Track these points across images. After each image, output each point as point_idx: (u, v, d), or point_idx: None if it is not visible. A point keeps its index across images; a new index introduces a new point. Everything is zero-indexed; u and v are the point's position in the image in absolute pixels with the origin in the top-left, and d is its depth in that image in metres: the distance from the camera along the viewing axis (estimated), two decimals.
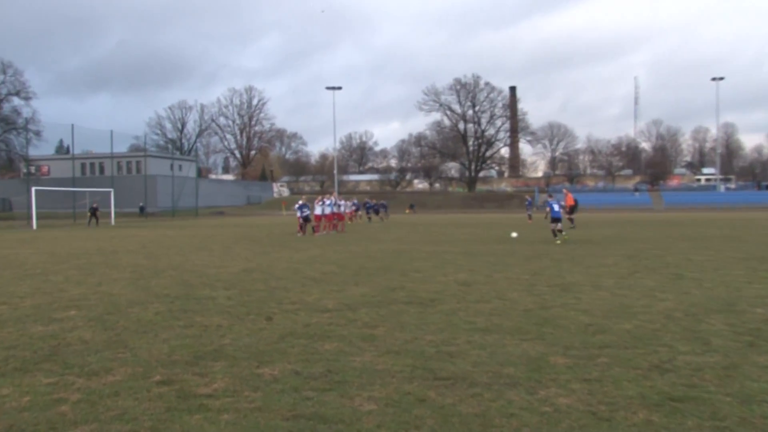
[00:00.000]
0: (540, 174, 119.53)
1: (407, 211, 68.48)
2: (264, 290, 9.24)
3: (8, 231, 31.57)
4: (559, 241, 18.87)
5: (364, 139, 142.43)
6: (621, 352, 5.37)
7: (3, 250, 17.86)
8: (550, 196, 21.51)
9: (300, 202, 24.99)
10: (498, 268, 11.97)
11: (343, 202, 29.79)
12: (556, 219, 19.27)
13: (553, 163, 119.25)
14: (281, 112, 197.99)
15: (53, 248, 18.63)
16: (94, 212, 38.22)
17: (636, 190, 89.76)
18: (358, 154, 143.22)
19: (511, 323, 6.63)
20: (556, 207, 19.24)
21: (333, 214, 25.67)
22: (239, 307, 7.80)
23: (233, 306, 7.86)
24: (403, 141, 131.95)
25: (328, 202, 25.35)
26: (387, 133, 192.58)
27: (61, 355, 5.41)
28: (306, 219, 24.21)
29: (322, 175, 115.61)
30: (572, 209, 27.22)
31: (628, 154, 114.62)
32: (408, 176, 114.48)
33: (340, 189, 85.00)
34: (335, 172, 77.04)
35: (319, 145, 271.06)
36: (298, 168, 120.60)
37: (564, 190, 30.39)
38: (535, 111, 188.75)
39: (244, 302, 8.15)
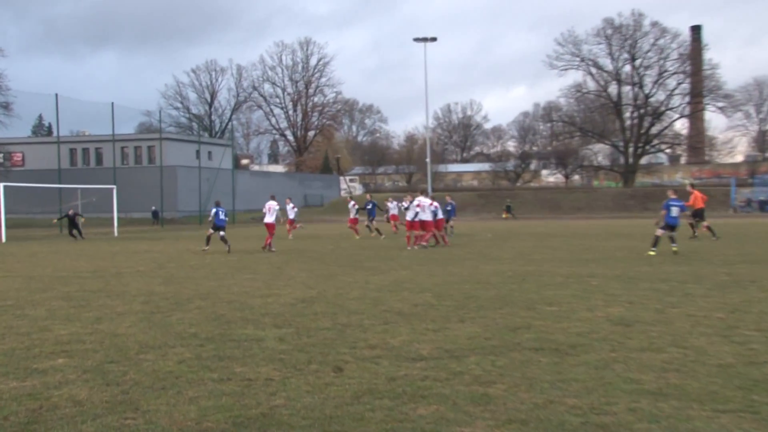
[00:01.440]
0: (739, 158, 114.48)
1: (504, 215, 66.52)
2: (331, 329, 9.40)
3: None
4: (653, 252, 20.28)
5: (468, 113, 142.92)
6: None
7: None
8: (675, 192, 21.94)
9: (270, 204, 25.92)
10: (674, 299, 11.67)
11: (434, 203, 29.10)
12: (671, 226, 20.55)
13: (761, 141, 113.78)
14: (353, 77, 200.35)
15: (31, 270, 19.63)
16: (72, 220, 38.83)
17: None
18: (460, 134, 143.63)
19: (698, 384, 6.44)
20: (675, 211, 20.54)
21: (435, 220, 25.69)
22: (296, 352, 7.97)
23: (287, 351, 8.04)
24: (525, 115, 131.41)
25: (428, 204, 25.29)
26: (503, 105, 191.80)
27: (44, 423, 5.60)
28: (217, 229, 24.56)
29: (409, 164, 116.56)
30: (699, 213, 28.13)
31: None
32: (533, 165, 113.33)
33: (435, 185, 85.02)
34: (428, 160, 76.84)
35: (405, 122, 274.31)
36: (375, 155, 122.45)
37: (688, 188, 28.98)
38: (731, 63, 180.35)
39: (302, 346, 8.32)
